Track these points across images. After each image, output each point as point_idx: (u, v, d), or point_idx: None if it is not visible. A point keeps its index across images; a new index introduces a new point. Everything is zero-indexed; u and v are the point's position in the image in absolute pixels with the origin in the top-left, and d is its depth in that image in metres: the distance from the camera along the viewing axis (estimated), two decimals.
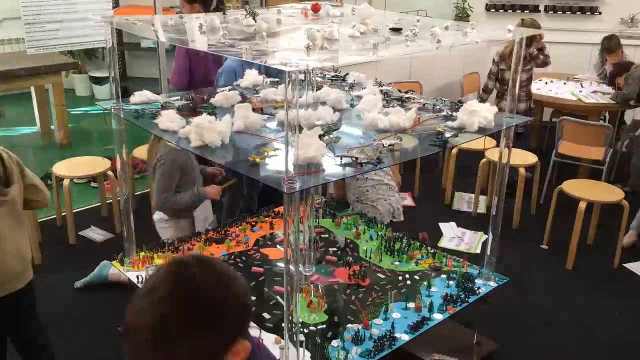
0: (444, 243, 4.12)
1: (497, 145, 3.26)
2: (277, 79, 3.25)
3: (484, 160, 4.51)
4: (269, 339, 2.40)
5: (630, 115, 5.89)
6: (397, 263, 3.02)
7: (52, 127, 5.63)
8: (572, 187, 3.96)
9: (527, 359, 2.99)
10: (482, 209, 4.62)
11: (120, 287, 3.24)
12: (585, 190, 3.91)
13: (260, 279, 2.87)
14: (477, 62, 6.05)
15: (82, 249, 3.96)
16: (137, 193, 4.58)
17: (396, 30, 2.48)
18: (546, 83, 5.47)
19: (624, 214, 3.80)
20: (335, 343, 2.38)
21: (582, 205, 3.76)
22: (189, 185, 3.21)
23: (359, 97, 2.85)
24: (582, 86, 5.36)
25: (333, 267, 2.99)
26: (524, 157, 4.46)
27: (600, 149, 4.61)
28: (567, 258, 3.84)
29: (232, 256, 3.04)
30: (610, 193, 3.92)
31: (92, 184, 4.69)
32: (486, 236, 2.88)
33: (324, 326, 2.51)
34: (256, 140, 2.37)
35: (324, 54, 2.03)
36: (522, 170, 4.31)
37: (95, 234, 4.01)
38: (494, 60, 5.00)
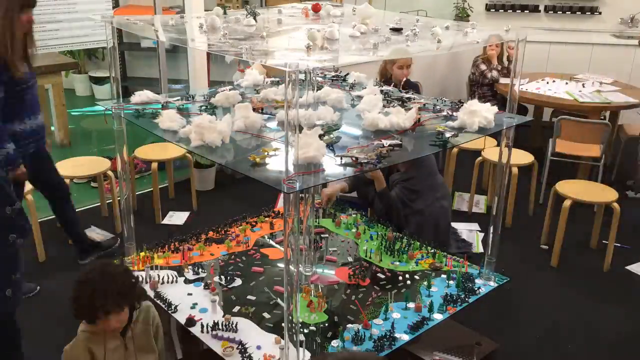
0: None
1: (498, 145, 3.24)
2: (277, 79, 3.25)
3: (479, 158, 4.49)
4: (269, 339, 2.41)
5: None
6: (397, 263, 3.02)
7: (52, 127, 5.61)
8: (566, 186, 3.93)
9: (527, 359, 2.98)
10: (482, 209, 4.61)
11: None
12: (577, 190, 3.87)
13: (260, 278, 2.87)
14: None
15: None
16: (138, 193, 4.58)
17: (396, 30, 2.48)
18: (547, 82, 5.45)
19: (614, 218, 3.75)
20: (335, 343, 2.38)
21: (567, 204, 3.73)
22: None
23: (360, 97, 2.85)
24: (583, 86, 5.34)
25: (333, 266, 2.99)
26: (518, 157, 4.42)
27: (597, 147, 4.61)
28: (567, 258, 3.84)
29: (232, 256, 3.04)
30: (602, 194, 3.88)
31: (92, 184, 4.68)
32: (482, 234, 2.87)
33: (325, 325, 2.51)
34: (256, 140, 2.37)
35: (324, 54, 2.03)
36: (515, 170, 4.29)
37: (95, 234, 4.00)
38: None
